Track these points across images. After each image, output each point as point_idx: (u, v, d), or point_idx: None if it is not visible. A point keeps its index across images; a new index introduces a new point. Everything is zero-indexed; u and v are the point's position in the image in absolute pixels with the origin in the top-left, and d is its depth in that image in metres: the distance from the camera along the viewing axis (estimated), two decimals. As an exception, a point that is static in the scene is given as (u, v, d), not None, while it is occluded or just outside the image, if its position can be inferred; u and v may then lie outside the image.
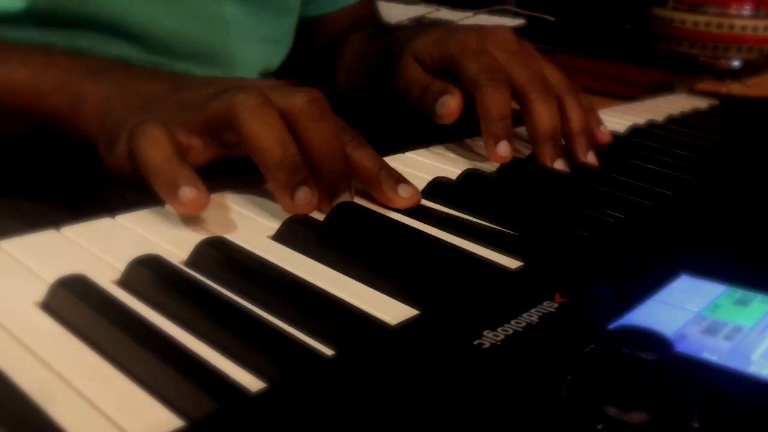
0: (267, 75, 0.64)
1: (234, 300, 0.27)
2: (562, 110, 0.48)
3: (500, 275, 0.30)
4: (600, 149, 0.52)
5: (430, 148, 0.51)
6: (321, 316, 0.27)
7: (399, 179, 0.39)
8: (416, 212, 0.38)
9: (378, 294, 0.29)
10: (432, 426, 0.20)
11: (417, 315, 0.27)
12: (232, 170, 0.39)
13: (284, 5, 0.64)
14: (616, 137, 0.58)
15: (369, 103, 0.64)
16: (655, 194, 0.43)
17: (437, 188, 0.41)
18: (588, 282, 0.28)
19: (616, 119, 0.64)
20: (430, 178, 0.43)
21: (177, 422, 0.21)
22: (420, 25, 0.59)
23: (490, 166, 0.47)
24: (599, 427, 0.19)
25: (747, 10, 1.04)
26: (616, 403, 0.20)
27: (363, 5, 0.72)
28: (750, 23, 1.04)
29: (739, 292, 0.28)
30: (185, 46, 0.56)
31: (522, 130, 0.49)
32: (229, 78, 0.41)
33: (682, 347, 0.24)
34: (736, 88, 0.88)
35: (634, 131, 0.61)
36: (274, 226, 0.35)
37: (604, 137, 0.53)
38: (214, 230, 0.34)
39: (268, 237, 0.35)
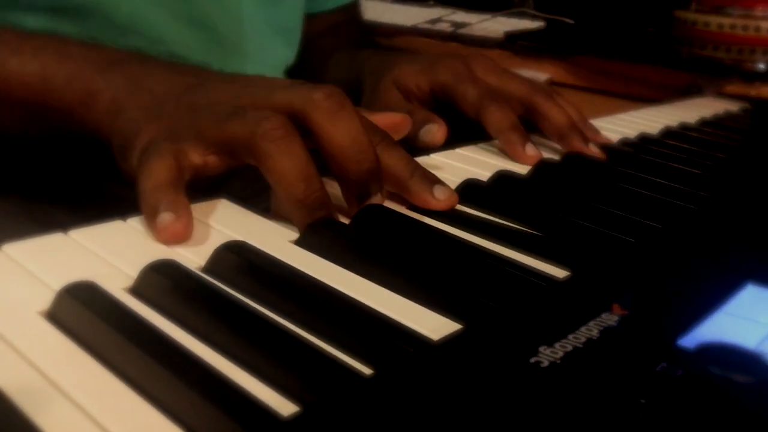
0: (280, 68, 0.62)
1: (258, 310, 0.25)
2: (537, 113, 0.50)
3: (550, 285, 0.27)
4: (632, 152, 0.50)
5: (456, 149, 0.48)
6: (355, 329, 0.24)
7: (434, 180, 0.37)
8: (449, 216, 0.36)
9: (414, 305, 0.27)
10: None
11: (460, 330, 0.24)
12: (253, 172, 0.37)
13: None
14: (648, 139, 0.55)
15: None
16: (698, 198, 0.40)
17: (469, 191, 0.39)
18: (648, 292, 0.26)
19: (646, 121, 0.62)
20: (457, 180, 0.40)
21: (197, 450, 0.19)
22: (391, 52, 0.62)
23: (520, 168, 0.45)
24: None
25: (773, 12, 1.01)
26: (702, 433, 0.17)
27: (345, 12, 0.72)
28: (776, 25, 1.01)
29: (815, 304, 0.25)
30: (196, 41, 0.54)
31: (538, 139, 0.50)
32: (245, 78, 0.38)
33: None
34: (766, 91, 0.85)
35: (667, 133, 0.58)
36: (297, 230, 0.33)
37: (597, 137, 0.53)
38: (233, 234, 0.32)
39: (291, 242, 0.32)
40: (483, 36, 1.02)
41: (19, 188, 0.45)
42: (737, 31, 1.00)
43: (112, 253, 0.29)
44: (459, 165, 0.45)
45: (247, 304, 0.25)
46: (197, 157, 0.34)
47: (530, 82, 0.51)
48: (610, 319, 0.23)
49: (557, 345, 0.21)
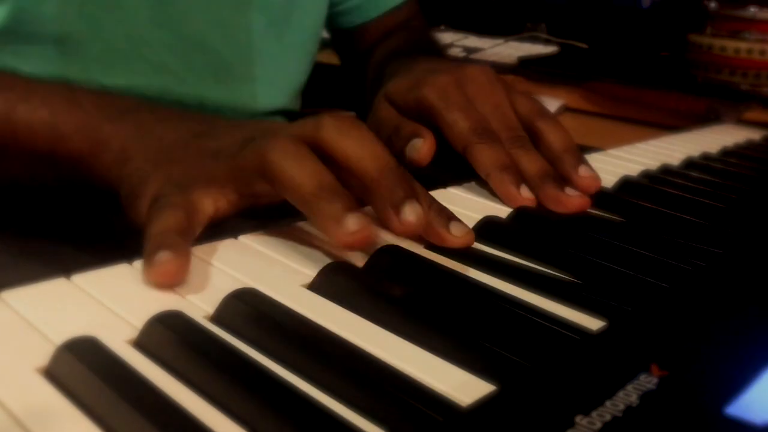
0: (289, 92, 0.61)
1: (264, 366, 0.23)
2: (539, 137, 0.45)
3: (584, 341, 0.26)
4: (655, 186, 0.48)
5: (473, 182, 0.47)
6: (374, 390, 0.22)
7: (450, 217, 0.35)
8: (470, 258, 0.34)
9: (435, 360, 0.25)
10: None
11: (489, 394, 0.22)
12: (265, 211, 0.35)
13: (309, 12, 0.61)
14: (670, 171, 0.54)
15: None
16: (730, 237, 0.39)
17: (489, 229, 0.37)
18: (687, 349, 0.24)
19: (665, 150, 0.60)
20: (477, 216, 0.39)
21: None
22: (407, 59, 0.56)
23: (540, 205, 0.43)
24: None
25: (790, 36, 1.00)
26: None
27: (401, 11, 0.69)
28: (794, 50, 0.99)
29: None
30: (203, 65, 0.53)
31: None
32: (255, 121, 0.37)
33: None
34: (787, 118, 0.83)
35: (690, 164, 0.56)
36: (310, 273, 0.31)
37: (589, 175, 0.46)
38: (244, 278, 0.30)
39: (303, 286, 0.30)
40: (496, 61, 1.00)
41: (21, 224, 0.44)
42: (754, 56, 0.99)
43: (116, 301, 0.28)
44: (476, 198, 0.44)
45: (253, 360, 0.23)
46: (209, 204, 0.33)
47: (519, 113, 0.46)
48: (649, 381, 0.21)
49: (594, 414, 0.20)
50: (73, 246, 0.47)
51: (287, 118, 0.61)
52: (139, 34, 0.50)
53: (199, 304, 0.28)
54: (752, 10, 1.00)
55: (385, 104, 0.48)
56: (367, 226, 0.30)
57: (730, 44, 1.00)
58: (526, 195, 0.42)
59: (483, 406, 0.21)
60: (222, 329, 0.26)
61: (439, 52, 0.69)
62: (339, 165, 0.32)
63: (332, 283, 0.30)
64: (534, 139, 0.45)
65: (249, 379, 0.23)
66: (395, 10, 0.69)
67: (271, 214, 0.35)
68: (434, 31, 1.25)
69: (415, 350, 0.26)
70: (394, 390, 0.22)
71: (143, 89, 0.50)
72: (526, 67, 0.98)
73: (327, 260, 0.32)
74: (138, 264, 0.31)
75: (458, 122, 0.43)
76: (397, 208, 0.32)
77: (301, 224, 0.35)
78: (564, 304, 0.29)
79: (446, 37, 1.17)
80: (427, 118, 0.45)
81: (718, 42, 1.01)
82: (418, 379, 0.23)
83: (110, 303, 0.28)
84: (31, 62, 0.47)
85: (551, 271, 0.33)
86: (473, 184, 0.46)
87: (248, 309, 0.27)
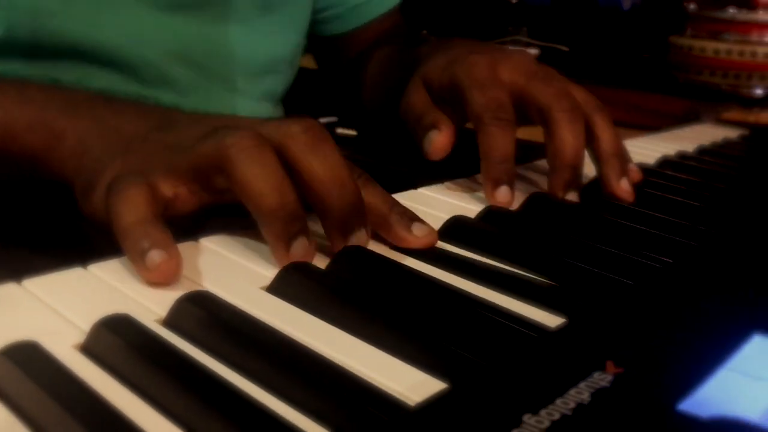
0: (270, 101, 0.60)
1: (213, 372, 0.23)
2: (590, 131, 0.43)
3: (540, 338, 0.25)
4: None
5: (446, 183, 0.46)
6: (323, 392, 0.22)
7: (412, 218, 0.35)
8: (433, 257, 0.33)
9: (394, 360, 0.25)
10: None
11: (445, 390, 0.21)
12: (225, 211, 0.35)
13: (290, 23, 0.60)
14: (645, 169, 0.53)
15: (391, 120, 0.59)
16: (700, 234, 0.38)
17: (456, 228, 0.37)
18: (644, 346, 0.23)
19: (643, 150, 0.60)
20: (446, 216, 0.38)
21: None
22: (441, 41, 0.53)
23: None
24: None
25: (769, 36, 1.00)
26: None
27: (388, 17, 0.69)
28: (773, 50, 1.00)
29: (829, 358, 0.23)
30: (181, 74, 0.53)
31: (541, 163, 0.45)
32: (218, 115, 0.36)
33: (777, 436, 0.19)
34: (765, 117, 0.83)
35: (664, 163, 0.56)
36: (269, 275, 0.31)
37: (635, 174, 0.47)
38: (200, 281, 0.30)
39: (263, 288, 0.30)
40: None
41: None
42: (733, 57, 0.99)
43: (67, 306, 0.27)
44: (447, 199, 0.43)
45: (201, 364, 0.23)
46: (168, 188, 0.32)
47: (565, 87, 0.43)
48: (603, 379, 0.21)
49: (543, 413, 0.19)
50: (27, 249, 0.46)
51: None
52: (118, 45, 0.49)
53: (152, 308, 0.27)
54: (731, 12, 1.00)
55: (419, 86, 0.47)
56: (308, 254, 0.31)
57: (710, 45, 1.00)
58: (500, 198, 0.41)
59: (430, 405, 0.20)
60: (174, 333, 0.26)
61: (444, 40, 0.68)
62: (299, 178, 0.32)
63: (291, 284, 0.29)
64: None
65: (195, 384, 0.22)
66: (383, 17, 0.68)
67: (240, 213, 0.34)
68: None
69: (372, 351, 0.25)
70: (343, 391, 0.22)
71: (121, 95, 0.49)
72: (506, 70, 0.97)
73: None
74: (94, 267, 0.30)
75: (475, 98, 0.42)
76: (346, 237, 0.33)
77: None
78: (527, 303, 0.29)
79: (428, 41, 1.17)
80: (455, 97, 0.44)
81: (698, 43, 1.01)
82: (370, 380, 0.23)
83: (61, 308, 0.27)
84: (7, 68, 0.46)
85: (517, 270, 0.33)
86: (444, 184, 0.46)
87: (200, 312, 0.26)
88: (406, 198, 0.42)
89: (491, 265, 0.33)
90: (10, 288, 0.28)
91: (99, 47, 0.48)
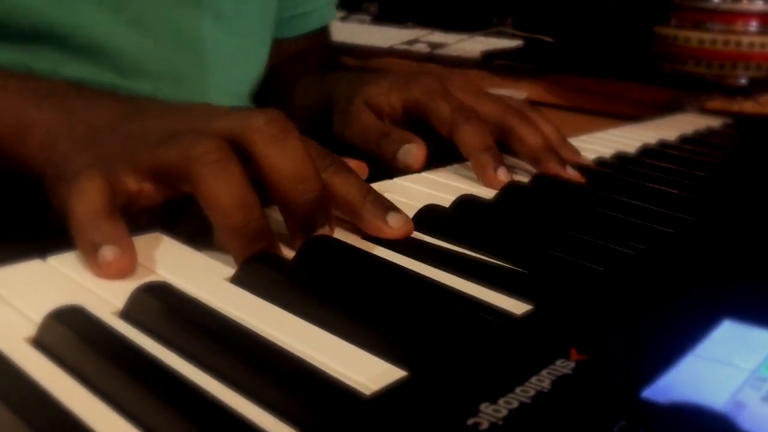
0: (242, 94, 0.60)
1: (168, 366, 0.22)
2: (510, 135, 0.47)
3: (505, 325, 0.25)
4: (607, 172, 0.48)
5: (422, 173, 0.46)
6: (280, 385, 0.21)
7: (388, 207, 0.34)
8: (403, 246, 0.33)
9: (357, 351, 0.24)
10: None
11: (405, 378, 0.21)
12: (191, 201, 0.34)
13: (261, 20, 0.60)
14: (625, 158, 0.53)
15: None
16: (676, 221, 0.38)
17: (428, 217, 0.36)
18: (610, 332, 0.23)
19: (624, 139, 0.60)
20: (420, 206, 0.38)
21: None
22: (363, 71, 0.61)
23: (487, 192, 0.42)
24: None
25: (753, 26, 1.00)
26: None
27: (320, 33, 0.70)
28: (757, 40, 0.99)
29: (799, 342, 0.22)
30: (155, 65, 0.52)
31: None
32: (189, 104, 0.36)
33: (741, 422, 0.18)
34: (748, 106, 0.83)
35: (644, 151, 0.56)
36: (234, 266, 0.30)
37: (573, 156, 0.50)
38: (162, 272, 0.29)
39: (226, 279, 0.29)
40: (459, 56, 1.00)
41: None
42: (718, 47, 0.99)
43: (22, 298, 0.26)
44: (424, 189, 0.43)
45: (156, 358, 0.22)
46: (132, 183, 0.32)
47: (506, 102, 0.49)
48: (565, 366, 0.20)
49: (501, 401, 0.18)
50: (7, 246, 0.45)
51: None
52: (94, 37, 0.49)
53: (110, 299, 0.27)
54: (715, 1, 0.99)
55: (366, 110, 0.49)
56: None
57: (694, 35, 1.00)
58: (502, 178, 0.43)
59: (385, 394, 0.19)
60: (129, 325, 0.25)
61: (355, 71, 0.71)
62: (260, 172, 0.31)
63: (254, 275, 0.29)
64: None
65: (148, 378, 0.21)
66: (311, 35, 0.69)
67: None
68: (405, 27, 1.24)
69: (335, 342, 0.25)
70: (300, 384, 0.21)
71: (91, 84, 0.48)
72: (489, 61, 0.97)
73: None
74: (53, 260, 0.30)
75: (441, 108, 0.46)
76: (307, 234, 0.32)
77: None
78: (495, 290, 0.28)
79: (411, 33, 1.16)
80: (413, 114, 0.48)
81: (682, 33, 1.00)
82: (332, 371, 0.22)
83: (16, 300, 0.26)
84: None
85: (489, 258, 0.32)
86: (420, 174, 0.45)
87: (158, 303, 0.25)
88: (381, 187, 0.41)
89: (461, 253, 0.32)
90: (-36, 281, 0.27)
91: (72, 32, 0.48)
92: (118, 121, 0.34)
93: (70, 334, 0.23)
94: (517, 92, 0.88)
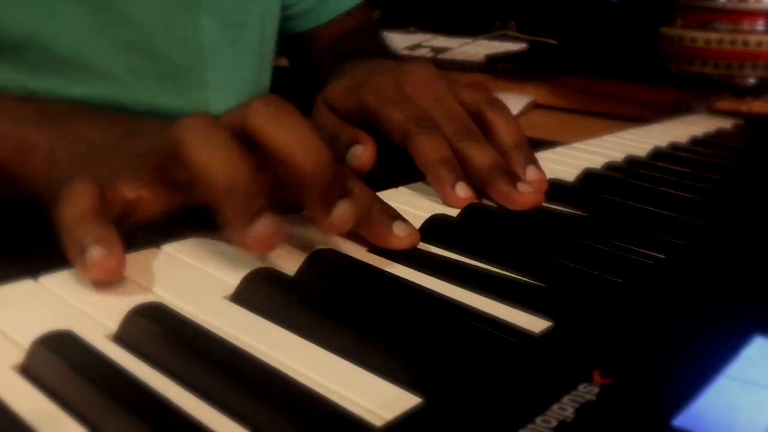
0: (246, 95, 0.58)
1: (160, 394, 0.20)
2: (488, 129, 0.42)
3: (522, 345, 0.23)
4: (619, 177, 0.46)
5: (428, 181, 0.44)
6: (284, 415, 0.20)
7: (394, 216, 0.33)
8: (411, 258, 0.31)
9: (365, 374, 0.23)
10: None
11: (419, 406, 0.19)
12: (195, 218, 0.33)
13: (261, 18, 0.59)
14: (637, 162, 0.51)
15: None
16: (695, 228, 0.36)
17: (436, 227, 0.35)
18: (634, 352, 0.21)
19: (634, 142, 0.58)
20: (427, 215, 0.36)
21: None
22: (350, 62, 0.55)
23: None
24: None
25: (761, 25, 0.98)
26: None
27: (356, 12, 0.68)
28: (765, 39, 0.98)
29: (837, 360, 0.21)
30: (151, 68, 0.51)
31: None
32: None
33: (783, 453, 0.17)
34: (758, 106, 0.82)
35: (656, 155, 0.54)
36: (234, 283, 0.28)
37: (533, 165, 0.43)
38: (160, 290, 0.28)
39: (225, 298, 0.28)
40: (464, 60, 0.98)
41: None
42: (725, 46, 0.97)
43: (11, 322, 0.25)
44: (430, 198, 0.41)
45: (148, 386, 0.21)
46: (129, 191, 0.31)
47: (459, 109, 0.43)
48: (588, 392, 0.19)
49: (522, 433, 0.17)
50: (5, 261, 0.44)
51: None
52: (80, 41, 0.48)
53: (104, 321, 0.25)
54: (721, 1, 0.98)
55: (325, 109, 0.46)
56: (273, 234, 0.28)
57: (701, 35, 0.98)
58: (462, 194, 0.39)
59: (400, 424, 0.18)
60: (123, 349, 0.23)
61: (389, 55, 0.67)
62: (268, 155, 0.29)
63: (255, 292, 0.27)
64: (483, 131, 0.42)
65: (139, 407, 0.20)
66: (346, 16, 0.67)
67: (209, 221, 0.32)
68: (408, 32, 1.23)
69: (341, 364, 0.23)
70: (306, 413, 0.20)
71: (90, 98, 0.48)
72: (493, 64, 0.96)
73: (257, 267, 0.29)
74: (45, 279, 0.28)
75: (393, 115, 0.41)
76: (329, 209, 0.29)
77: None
78: (510, 305, 0.27)
79: (415, 38, 1.15)
80: (366, 119, 0.43)
81: (688, 33, 0.99)
82: (337, 397, 0.21)
83: (5, 324, 0.25)
84: None
85: (500, 271, 0.31)
86: (426, 183, 0.44)
87: (152, 326, 0.24)
88: (386, 196, 0.40)
89: (472, 265, 0.31)
90: (-50, 304, 0.26)
91: (68, 47, 0.47)
92: (120, 139, 0.34)
93: (59, 360, 0.22)
94: (522, 96, 0.86)
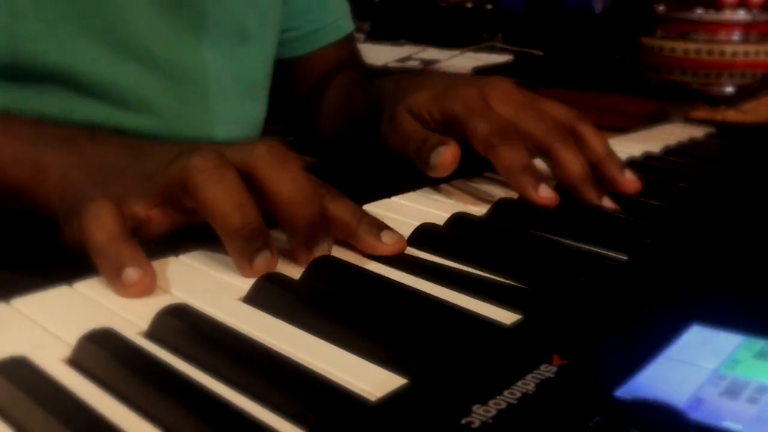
0: (248, 126, 0.61)
1: (193, 380, 0.24)
2: (580, 140, 0.47)
3: (494, 334, 0.27)
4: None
5: (420, 191, 0.48)
6: (296, 394, 0.24)
7: (381, 227, 0.37)
8: (402, 263, 0.35)
9: (362, 362, 0.27)
10: None
11: (405, 385, 0.23)
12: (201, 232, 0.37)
13: (263, 48, 0.62)
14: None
15: (349, 148, 0.62)
16: (657, 232, 0.40)
17: (423, 235, 0.39)
18: (589, 338, 0.25)
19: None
20: (417, 223, 0.40)
21: None
22: (407, 75, 0.59)
23: (481, 209, 0.44)
24: None
25: (737, 35, 1.03)
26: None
27: (343, 45, 0.70)
28: (741, 48, 1.02)
29: (759, 343, 0.25)
30: (159, 100, 0.54)
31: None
32: (192, 143, 0.38)
33: (699, 415, 0.21)
34: (731, 115, 0.86)
35: (630, 164, 0.58)
36: (246, 286, 0.32)
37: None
38: (179, 294, 0.32)
39: (239, 299, 0.32)
40: (452, 72, 1.02)
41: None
42: (702, 56, 1.02)
43: (53, 322, 0.29)
44: (419, 207, 0.45)
45: (182, 373, 0.25)
46: (141, 210, 0.34)
47: (551, 116, 0.47)
48: (548, 370, 0.23)
49: (491, 402, 0.21)
50: (12, 270, 0.47)
51: None
52: (95, 75, 0.50)
53: (134, 321, 0.29)
54: (699, 12, 1.03)
55: (409, 118, 0.49)
56: (274, 263, 0.34)
57: (680, 45, 1.03)
58: (545, 195, 0.43)
59: (390, 400, 0.22)
60: (155, 344, 0.27)
61: (401, 74, 0.70)
62: (265, 197, 0.33)
63: (266, 295, 0.31)
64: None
65: (176, 391, 0.24)
66: (338, 44, 0.70)
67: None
68: (398, 45, 1.27)
69: (343, 354, 0.27)
70: (314, 392, 0.24)
71: (99, 123, 0.50)
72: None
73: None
74: (79, 285, 0.32)
75: (478, 127, 0.45)
76: (311, 249, 0.35)
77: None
78: (488, 302, 0.31)
79: (404, 50, 1.19)
80: (452, 128, 0.47)
81: (668, 44, 1.03)
82: (340, 380, 0.25)
83: (49, 324, 0.29)
84: None
85: (482, 273, 0.35)
86: (417, 192, 0.48)
87: (180, 324, 0.28)
88: (379, 207, 0.44)
89: (456, 268, 0.35)
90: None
91: (75, 72, 0.49)
92: (129, 161, 0.37)
93: (104, 353, 0.25)
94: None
